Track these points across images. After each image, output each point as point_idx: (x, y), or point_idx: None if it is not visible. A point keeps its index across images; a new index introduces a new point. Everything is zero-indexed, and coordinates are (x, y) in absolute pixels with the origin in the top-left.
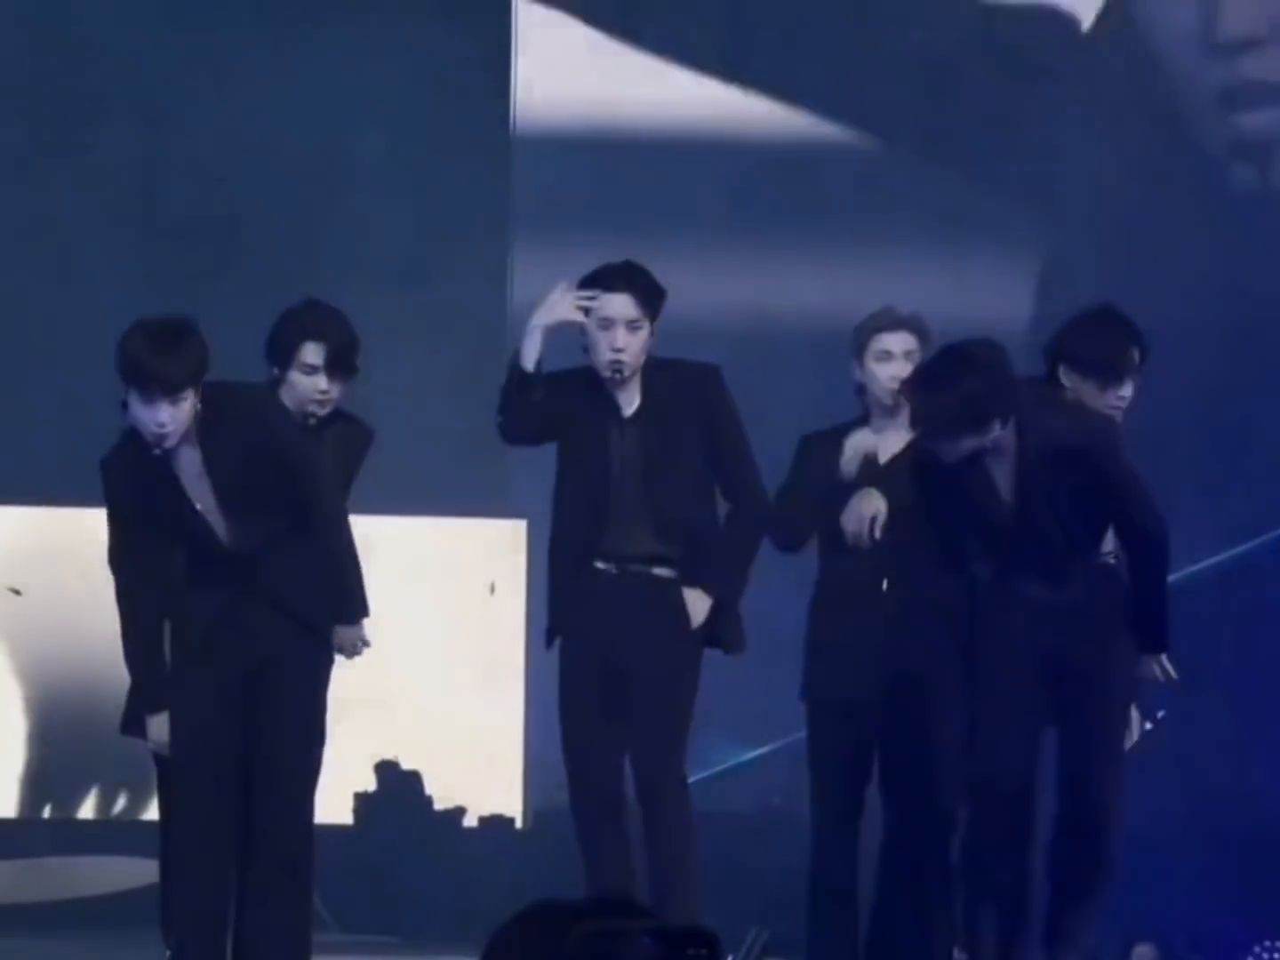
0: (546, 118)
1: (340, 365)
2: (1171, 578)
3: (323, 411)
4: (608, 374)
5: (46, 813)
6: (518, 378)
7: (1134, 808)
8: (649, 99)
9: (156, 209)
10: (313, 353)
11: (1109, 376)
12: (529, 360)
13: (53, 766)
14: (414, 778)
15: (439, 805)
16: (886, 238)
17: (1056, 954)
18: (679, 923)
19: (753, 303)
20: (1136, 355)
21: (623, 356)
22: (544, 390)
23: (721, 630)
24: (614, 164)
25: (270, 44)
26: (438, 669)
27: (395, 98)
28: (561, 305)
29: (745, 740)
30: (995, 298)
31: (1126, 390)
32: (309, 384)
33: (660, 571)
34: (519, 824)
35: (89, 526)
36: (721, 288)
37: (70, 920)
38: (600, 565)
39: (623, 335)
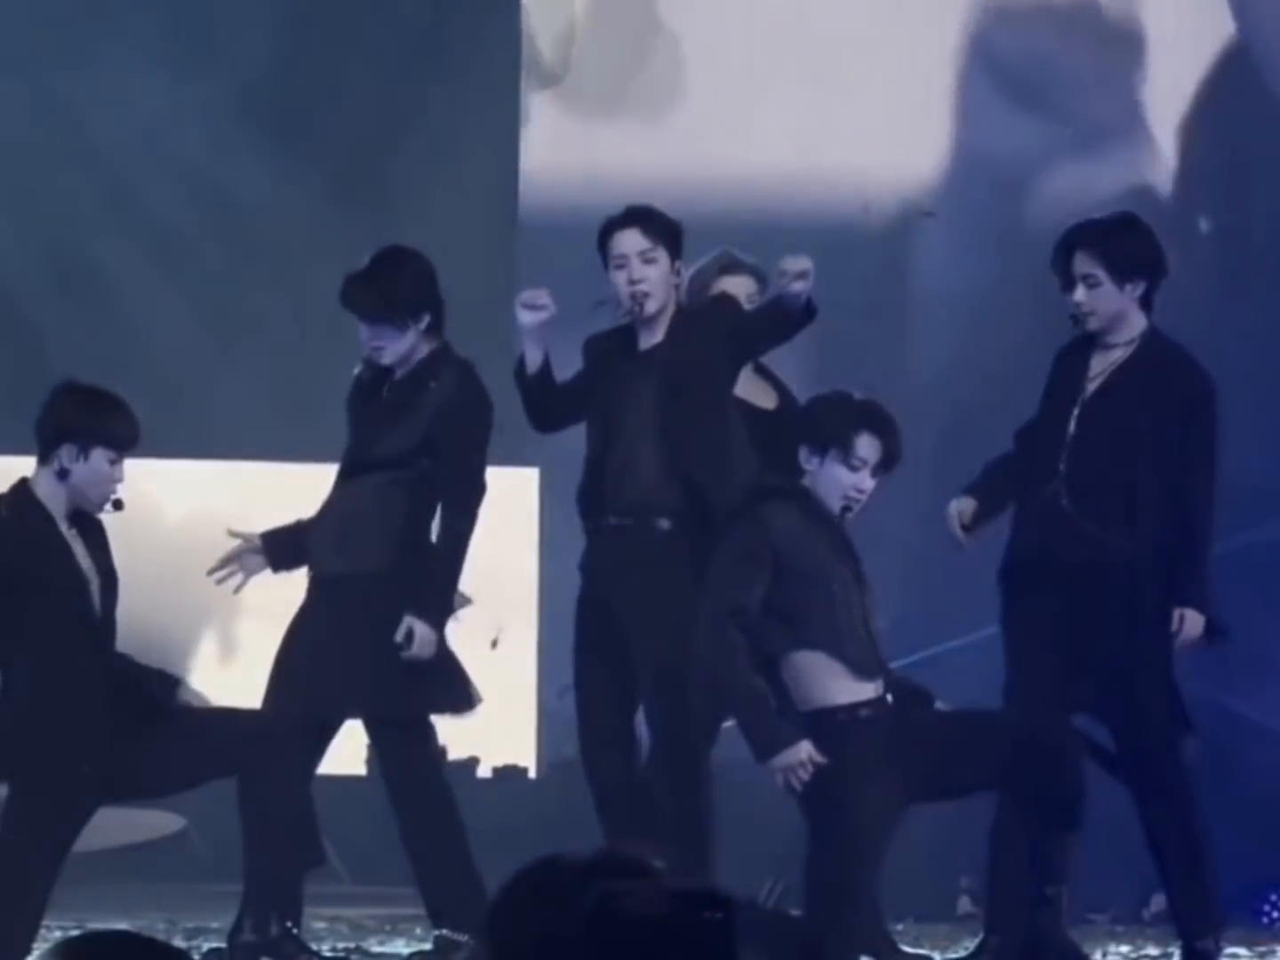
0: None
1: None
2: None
3: None
4: (631, 306)
5: None
6: (524, 381)
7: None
8: None
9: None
10: None
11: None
12: (530, 362)
13: None
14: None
15: (452, 756)
16: None
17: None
18: (692, 879)
19: None
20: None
21: (640, 287)
22: (559, 391)
23: None
24: None
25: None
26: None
27: None
28: (521, 313)
29: None
30: None
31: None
32: None
33: (663, 523)
34: (532, 774)
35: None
36: None
37: (102, 870)
38: (602, 513)
39: (638, 267)
